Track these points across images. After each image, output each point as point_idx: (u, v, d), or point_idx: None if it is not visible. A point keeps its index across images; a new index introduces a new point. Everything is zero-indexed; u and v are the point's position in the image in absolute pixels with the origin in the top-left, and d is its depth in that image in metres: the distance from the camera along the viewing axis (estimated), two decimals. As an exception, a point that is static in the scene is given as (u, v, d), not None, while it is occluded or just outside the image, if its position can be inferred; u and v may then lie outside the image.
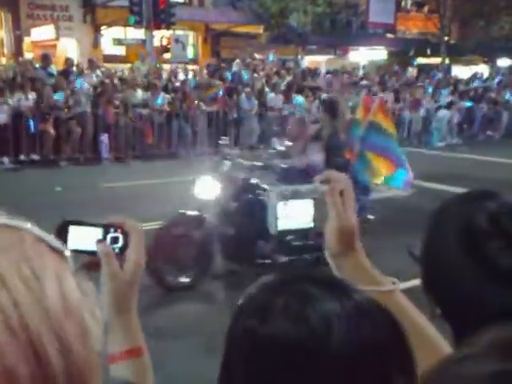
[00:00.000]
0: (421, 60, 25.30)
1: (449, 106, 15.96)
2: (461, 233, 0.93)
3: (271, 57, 17.38)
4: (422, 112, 15.84)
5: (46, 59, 13.18)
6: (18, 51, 17.77)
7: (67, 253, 0.48)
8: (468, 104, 16.78)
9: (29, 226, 0.46)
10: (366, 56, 23.99)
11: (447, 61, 23.64)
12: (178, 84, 13.54)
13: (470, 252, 0.91)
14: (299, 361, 0.69)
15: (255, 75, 15.39)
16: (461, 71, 22.85)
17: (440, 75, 19.49)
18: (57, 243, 0.47)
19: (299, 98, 13.81)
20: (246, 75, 15.29)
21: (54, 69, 13.22)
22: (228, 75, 15.02)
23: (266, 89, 14.31)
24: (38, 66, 13.29)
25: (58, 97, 11.40)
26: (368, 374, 0.69)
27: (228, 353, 0.75)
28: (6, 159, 10.87)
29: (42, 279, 0.42)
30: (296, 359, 0.69)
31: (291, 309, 0.71)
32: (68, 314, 0.42)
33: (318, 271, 0.80)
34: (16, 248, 0.43)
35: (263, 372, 0.70)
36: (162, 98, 12.46)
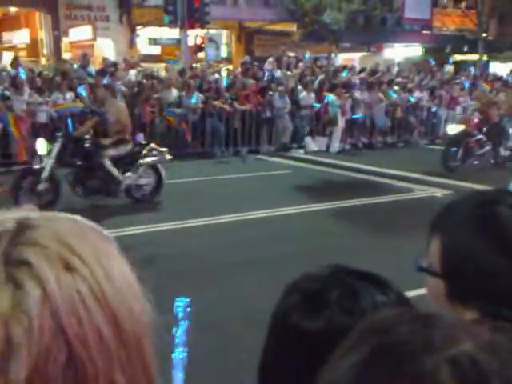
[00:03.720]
0: (457, 57, 24.82)
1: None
2: (488, 233, 0.92)
3: (307, 55, 17.29)
4: (458, 109, 15.57)
5: (85, 59, 13.46)
6: (56, 51, 18.17)
7: (114, 241, 0.55)
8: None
9: (79, 218, 0.55)
10: (401, 53, 23.68)
11: (485, 57, 23.14)
12: (211, 84, 13.61)
13: (504, 252, 0.90)
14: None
15: (288, 73, 15.37)
16: (499, 68, 22.33)
17: (477, 70, 19.09)
18: (106, 232, 0.55)
19: (330, 96, 13.75)
20: (279, 73, 15.28)
21: (93, 68, 13.49)
22: (262, 74, 15.03)
23: (299, 87, 14.28)
24: (76, 65, 13.58)
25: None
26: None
27: (274, 338, 0.77)
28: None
29: (109, 259, 0.51)
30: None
31: (345, 301, 0.72)
32: (130, 289, 0.51)
33: (351, 266, 0.80)
34: (82, 235, 0.51)
35: (314, 360, 0.70)
36: (196, 97, 12.58)
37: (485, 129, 11.21)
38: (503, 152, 11.45)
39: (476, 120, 11.49)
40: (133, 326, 0.50)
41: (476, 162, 11.00)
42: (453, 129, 11.54)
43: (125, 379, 0.48)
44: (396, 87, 15.30)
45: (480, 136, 11.14)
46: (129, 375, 0.49)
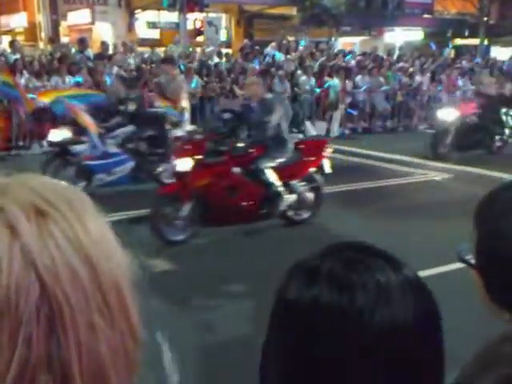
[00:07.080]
0: (458, 41, 24.67)
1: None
2: None
3: (303, 41, 17.15)
4: (458, 94, 15.50)
5: (83, 43, 13.36)
6: (55, 35, 18.02)
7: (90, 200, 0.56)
8: (508, 86, 16.29)
9: (60, 181, 0.57)
10: (401, 37, 23.50)
11: (486, 42, 22.98)
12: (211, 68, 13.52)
13: None
14: (338, 327, 0.69)
15: (288, 57, 15.26)
16: (500, 52, 22.19)
17: (478, 55, 18.96)
18: (83, 194, 0.56)
19: (332, 81, 13.66)
20: (279, 57, 15.18)
21: (91, 52, 13.39)
22: (262, 58, 14.92)
23: (299, 71, 14.19)
24: (74, 49, 13.48)
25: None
26: (400, 350, 0.69)
27: (275, 313, 0.77)
28: (44, 142, 11.10)
29: (83, 212, 0.52)
30: (334, 325, 0.69)
31: (335, 275, 0.71)
32: (106, 239, 0.52)
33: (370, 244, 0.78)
34: (57, 189, 0.53)
35: (302, 334, 0.71)
36: (196, 82, 12.51)
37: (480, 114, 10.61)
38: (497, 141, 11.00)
39: (473, 104, 10.91)
40: (110, 270, 0.50)
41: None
42: (444, 114, 10.78)
43: (104, 322, 0.49)
44: (397, 71, 15.22)
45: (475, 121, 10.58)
46: (108, 319, 0.49)
